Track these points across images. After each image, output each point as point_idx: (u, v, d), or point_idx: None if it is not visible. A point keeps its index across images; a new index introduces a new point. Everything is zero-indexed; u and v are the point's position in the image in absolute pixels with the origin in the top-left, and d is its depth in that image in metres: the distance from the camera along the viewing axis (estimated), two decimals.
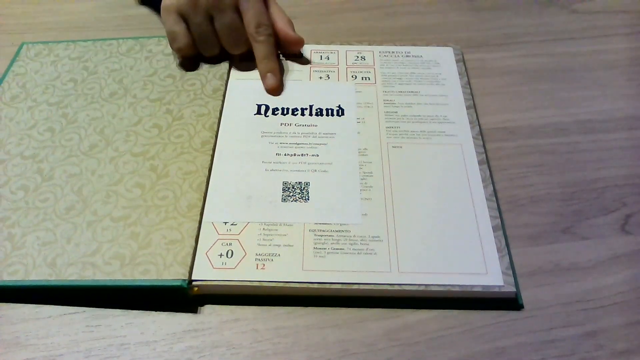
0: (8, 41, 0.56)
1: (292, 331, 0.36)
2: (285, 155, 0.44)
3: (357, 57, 0.53)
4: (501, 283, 0.37)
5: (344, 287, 0.37)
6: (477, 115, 0.48)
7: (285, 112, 0.47)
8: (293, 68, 0.52)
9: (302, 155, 0.44)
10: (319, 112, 0.48)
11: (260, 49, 0.49)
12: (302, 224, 0.40)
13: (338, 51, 0.53)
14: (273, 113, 0.47)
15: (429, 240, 0.39)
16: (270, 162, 0.44)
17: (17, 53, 0.53)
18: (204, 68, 0.51)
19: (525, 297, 0.38)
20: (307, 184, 0.42)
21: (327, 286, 0.37)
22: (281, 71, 0.50)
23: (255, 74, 0.50)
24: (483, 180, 0.43)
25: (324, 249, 0.39)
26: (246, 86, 0.50)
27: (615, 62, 0.55)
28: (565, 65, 0.54)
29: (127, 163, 0.43)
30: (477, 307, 0.37)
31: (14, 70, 0.51)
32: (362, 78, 0.51)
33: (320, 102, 0.48)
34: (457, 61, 0.53)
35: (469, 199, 0.41)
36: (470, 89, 0.50)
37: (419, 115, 0.48)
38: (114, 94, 0.49)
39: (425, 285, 0.37)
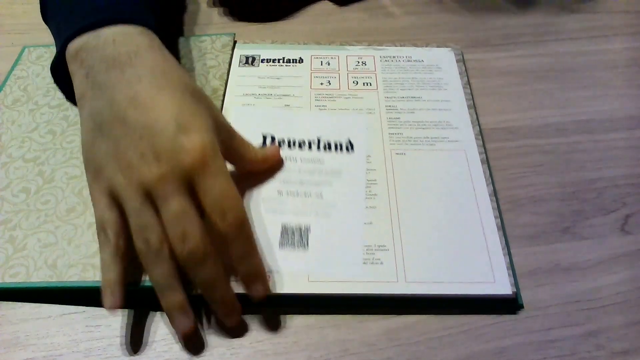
0: (8, 41, 0.56)
1: (292, 331, 0.36)
2: (287, 194, 0.41)
3: (358, 62, 0.53)
4: (509, 292, 0.36)
5: (350, 298, 0.37)
6: (477, 115, 0.48)
7: (291, 145, 0.45)
8: (293, 73, 0.51)
9: (305, 195, 0.41)
10: (327, 147, 0.45)
11: (235, 247, 0.34)
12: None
13: (338, 56, 0.53)
14: (279, 145, 0.45)
15: (435, 248, 0.39)
16: (270, 201, 0.41)
17: (19, 57, 0.53)
18: (204, 69, 0.51)
19: (525, 297, 0.38)
20: (307, 228, 0.40)
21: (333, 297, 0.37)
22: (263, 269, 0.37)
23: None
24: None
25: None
26: (253, 113, 0.47)
27: (615, 62, 0.55)
28: (565, 65, 0.54)
29: None
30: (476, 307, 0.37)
31: (15, 74, 0.51)
32: (364, 84, 0.50)
33: (328, 134, 0.46)
34: (457, 61, 0.53)
35: (475, 206, 0.41)
36: (470, 89, 0.50)
37: (422, 121, 0.47)
38: None
39: (433, 295, 0.37)
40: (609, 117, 0.49)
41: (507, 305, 0.37)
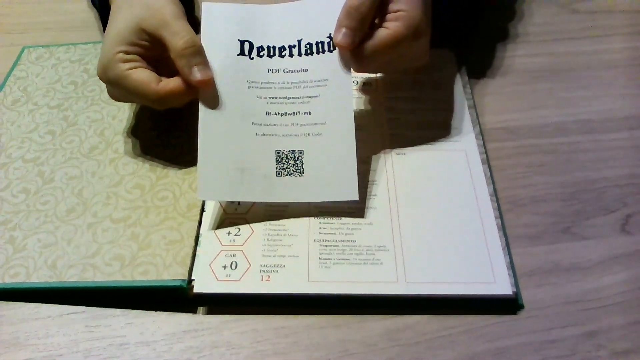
0: (8, 41, 0.57)
1: (292, 331, 0.36)
2: (275, 114, 0.40)
3: None
4: (509, 292, 0.36)
5: (350, 298, 0.37)
6: (477, 115, 0.48)
7: (271, 53, 0.42)
8: None
9: (293, 114, 0.41)
10: (309, 50, 0.41)
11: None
12: (306, 235, 0.39)
13: None
14: (258, 54, 0.41)
15: (435, 249, 0.39)
16: (260, 125, 0.40)
17: (19, 57, 0.53)
18: None
19: (526, 297, 0.38)
20: (301, 152, 0.40)
21: (333, 297, 0.37)
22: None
23: None
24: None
25: (330, 259, 0.38)
26: (226, 14, 0.42)
27: (615, 62, 0.55)
28: (566, 65, 0.54)
29: (127, 164, 0.43)
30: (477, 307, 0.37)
31: (15, 74, 0.51)
32: (364, 84, 0.50)
33: (309, 34, 0.41)
34: (458, 62, 0.53)
35: (475, 206, 0.41)
36: (471, 89, 0.50)
37: (422, 122, 0.47)
38: None
39: (433, 295, 0.37)
40: (609, 117, 0.49)
41: (507, 305, 0.37)
